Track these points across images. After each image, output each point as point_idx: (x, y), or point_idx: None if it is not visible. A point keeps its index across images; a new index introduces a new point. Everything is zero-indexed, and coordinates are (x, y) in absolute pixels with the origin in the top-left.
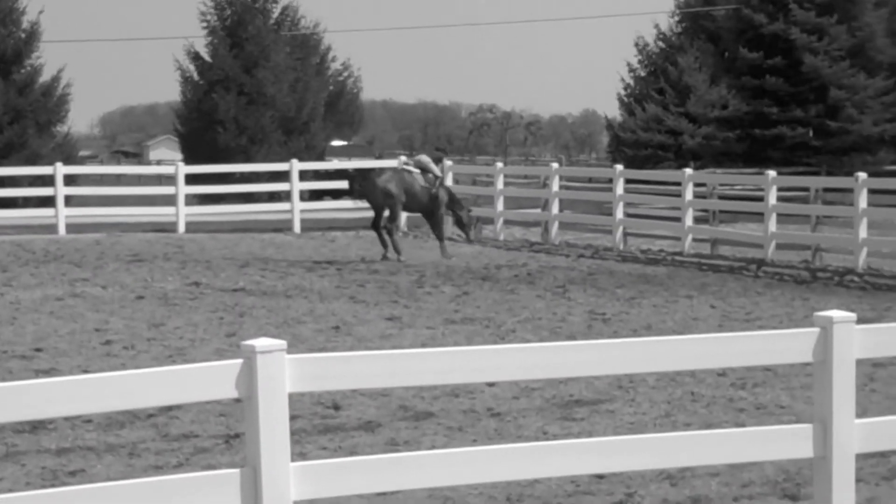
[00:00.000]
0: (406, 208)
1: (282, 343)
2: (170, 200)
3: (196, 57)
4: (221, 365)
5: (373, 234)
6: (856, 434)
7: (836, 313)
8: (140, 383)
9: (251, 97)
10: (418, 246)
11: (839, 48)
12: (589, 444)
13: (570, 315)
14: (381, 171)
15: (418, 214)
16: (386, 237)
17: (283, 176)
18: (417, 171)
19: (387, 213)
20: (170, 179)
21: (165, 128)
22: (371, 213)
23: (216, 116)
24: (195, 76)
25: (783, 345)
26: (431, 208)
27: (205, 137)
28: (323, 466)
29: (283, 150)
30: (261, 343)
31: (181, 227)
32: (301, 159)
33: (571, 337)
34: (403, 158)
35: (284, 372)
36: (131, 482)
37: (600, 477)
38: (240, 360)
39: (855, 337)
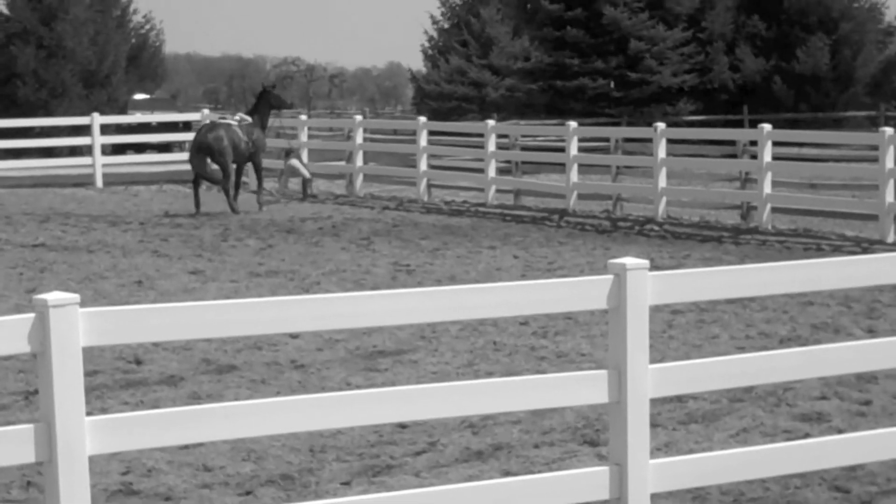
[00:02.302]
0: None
1: (75, 297)
2: None
3: None
4: (13, 319)
5: (179, 188)
6: (650, 379)
7: (629, 260)
8: None
9: (51, 50)
10: (221, 199)
11: (639, 0)
12: (391, 393)
13: (374, 267)
14: (212, 127)
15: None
16: (200, 194)
17: (84, 130)
18: (235, 123)
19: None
20: None
21: None
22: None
23: (15, 70)
24: None
25: (578, 292)
26: (249, 159)
27: (3, 91)
28: (118, 420)
29: (84, 103)
30: (53, 297)
31: None
32: (103, 113)
33: (376, 288)
34: (241, 115)
35: (77, 326)
36: None
37: (403, 426)
38: (32, 315)
39: (648, 283)
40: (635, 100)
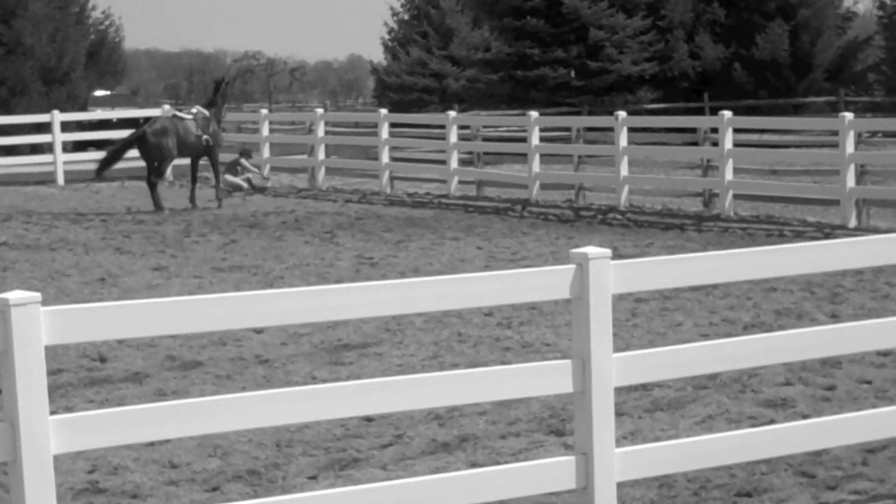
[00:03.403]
0: (179, 155)
1: (36, 295)
2: None
3: None
4: None
5: (141, 185)
6: (614, 368)
7: (591, 250)
8: None
9: (9, 48)
10: (184, 195)
11: None
12: (357, 386)
13: (338, 260)
14: (154, 121)
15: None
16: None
17: (45, 127)
18: (190, 117)
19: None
20: None
21: None
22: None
23: None
24: None
25: (541, 282)
26: (205, 153)
27: None
28: (82, 419)
29: (44, 101)
30: (14, 296)
31: None
32: (63, 110)
33: (339, 282)
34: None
35: (39, 324)
36: None
37: (369, 420)
38: None
39: (610, 272)
40: (596, 89)
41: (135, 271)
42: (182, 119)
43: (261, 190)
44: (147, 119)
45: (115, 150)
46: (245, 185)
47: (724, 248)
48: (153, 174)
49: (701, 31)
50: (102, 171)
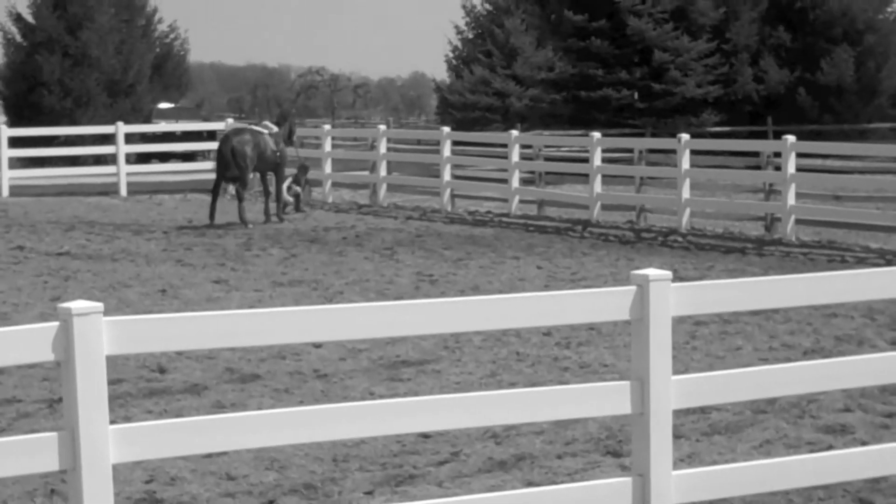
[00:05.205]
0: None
1: (98, 305)
2: None
3: (18, 18)
4: (37, 328)
5: (204, 197)
6: (673, 390)
7: (652, 272)
8: None
9: (76, 59)
10: (248, 209)
11: (663, 11)
12: (414, 403)
13: (397, 276)
14: (238, 131)
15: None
16: (217, 204)
17: (109, 139)
18: (267, 132)
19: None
20: None
21: None
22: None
23: (40, 78)
24: (18, 38)
25: (600, 303)
26: (276, 170)
27: (29, 100)
28: (142, 429)
29: (109, 112)
30: (77, 305)
31: (5, 191)
32: (127, 122)
33: (399, 298)
34: (266, 123)
35: (101, 334)
36: None
37: (426, 436)
38: (56, 323)
39: (671, 295)
40: (659, 111)
41: (195, 283)
42: (261, 133)
43: (300, 210)
44: (212, 132)
45: (221, 164)
46: (291, 200)
47: (785, 273)
48: (239, 185)
49: (765, 54)
50: (222, 187)
